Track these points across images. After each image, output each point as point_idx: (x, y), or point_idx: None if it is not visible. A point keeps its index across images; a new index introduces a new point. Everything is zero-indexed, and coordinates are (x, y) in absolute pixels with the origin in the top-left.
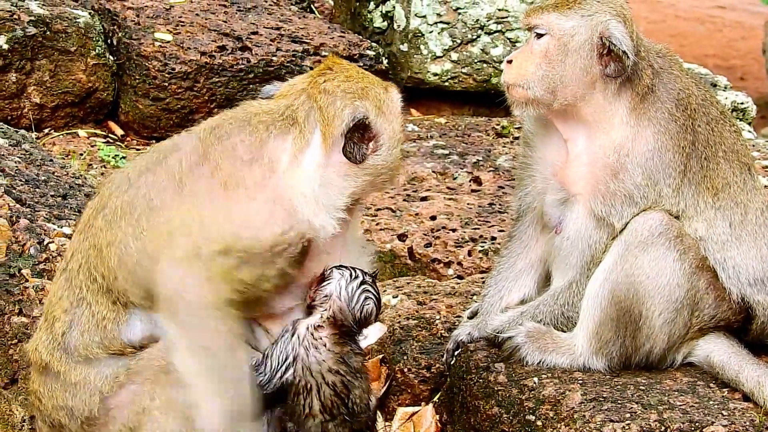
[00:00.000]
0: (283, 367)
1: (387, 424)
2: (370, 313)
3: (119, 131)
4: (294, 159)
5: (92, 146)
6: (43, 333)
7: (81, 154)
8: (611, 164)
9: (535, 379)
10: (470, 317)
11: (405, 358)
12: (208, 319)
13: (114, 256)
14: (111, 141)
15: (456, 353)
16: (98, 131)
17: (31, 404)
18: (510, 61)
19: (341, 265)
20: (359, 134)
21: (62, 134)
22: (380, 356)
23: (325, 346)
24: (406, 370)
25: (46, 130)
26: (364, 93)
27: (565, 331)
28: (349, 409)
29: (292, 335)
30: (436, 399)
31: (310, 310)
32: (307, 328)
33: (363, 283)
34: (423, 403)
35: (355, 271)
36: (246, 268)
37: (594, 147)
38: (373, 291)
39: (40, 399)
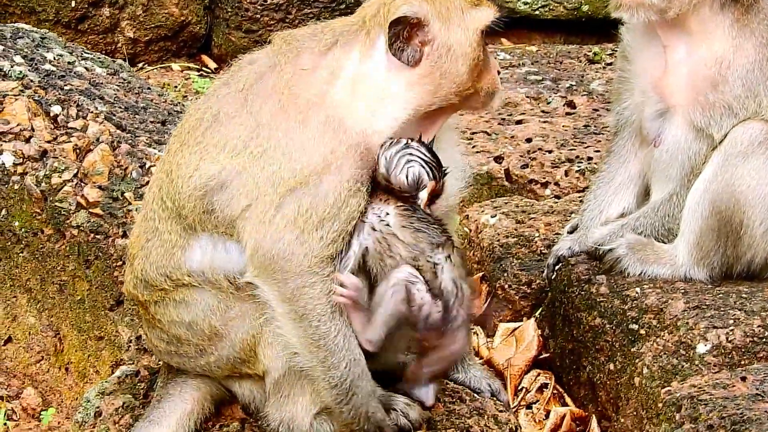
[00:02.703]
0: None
1: (489, 339)
2: (417, 177)
3: (212, 64)
4: (357, 66)
5: (186, 79)
6: (128, 272)
7: (175, 87)
8: (711, 76)
9: (637, 289)
10: (570, 232)
11: (505, 275)
12: (303, 285)
13: (181, 178)
14: (205, 74)
15: (557, 268)
16: (191, 65)
17: (143, 322)
18: None
19: (389, 138)
20: (407, 32)
21: (156, 68)
22: (480, 274)
23: (380, 200)
24: (506, 286)
25: (140, 65)
26: None
27: (665, 243)
28: (432, 235)
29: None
30: (537, 314)
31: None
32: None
33: (405, 147)
34: (524, 319)
35: (398, 139)
36: (320, 204)
37: (695, 58)
38: (417, 154)
39: (153, 316)
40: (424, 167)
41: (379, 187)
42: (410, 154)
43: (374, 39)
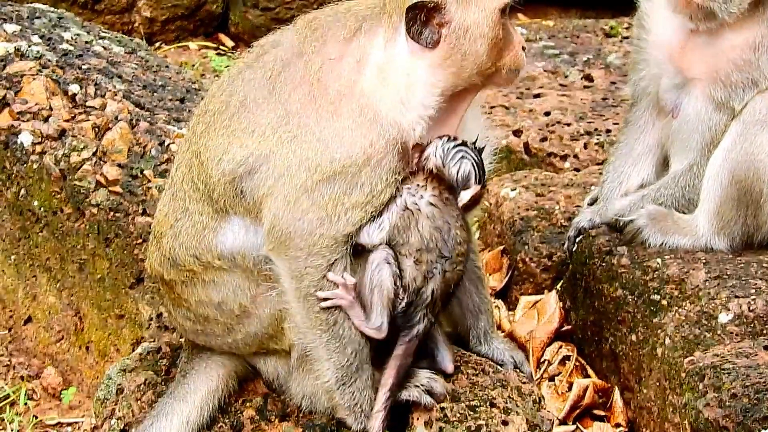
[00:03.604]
0: (387, 214)
1: (510, 313)
2: (467, 174)
3: (230, 43)
4: (383, 53)
5: (204, 58)
6: (154, 250)
7: (193, 66)
8: (738, 59)
9: (658, 260)
10: (590, 204)
11: (526, 248)
12: (313, 265)
13: (210, 160)
14: (222, 52)
15: (577, 240)
16: (209, 43)
17: (167, 301)
18: None
19: (443, 135)
20: (425, 15)
21: (173, 47)
22: (501, 248)
23: (418, 185)
24: (527, 259)
25: (158, 44)
26: None
27: (686, 213)
28: (447, 244)
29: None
30: (558, 286)
31: (412, 176)
32: (407, 178)
33: (460, 145)
34: (546, 291)
35: (455, 138)
36: (355, 192)
37: (721, 41)
38: (471, 154)
39: (179, 295)
40: (474, 168)
41: (426, 172)
42: (465, 152)
43: (396, 24)
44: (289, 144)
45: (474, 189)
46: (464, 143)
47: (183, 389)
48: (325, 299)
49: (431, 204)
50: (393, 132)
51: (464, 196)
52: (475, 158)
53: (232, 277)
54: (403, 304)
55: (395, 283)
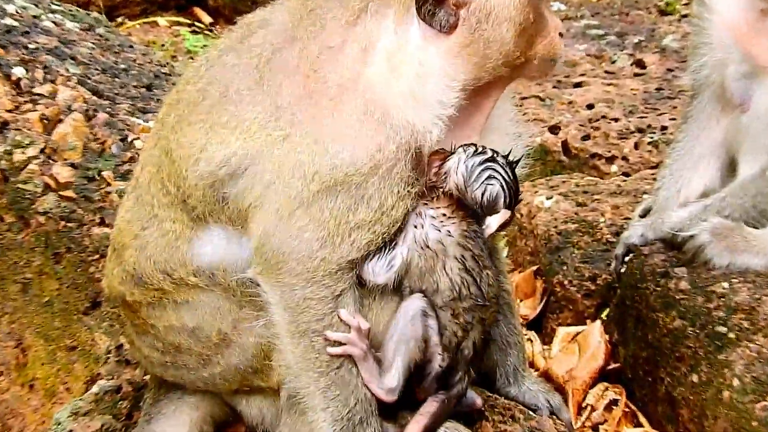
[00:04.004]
0: (401, 248)
1: (545, 347)
2: (494, 197)
3: (207, 19)
4: (392, 39)
5: (176, 36)
6: (114, 265)
7: (163, 45)
8: None
9: (725, 284)
10: (642, 216)
11: (564, 268)
12: (313, 297)
13: (183, 159)
14: (198, 30)
15: (627, 259)
16: (182, 19)
17: (130, 328)
18: None
19: (468, 143)
20: None
21: (139, 23)
22: (534, 268)
23: (444, 216)
24: (566, 282)
25: (120, 19)
26: None
27: (757, 227)
28: (482, 290)
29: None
30: (603, 315)
31: (430, 191)
32: (424, 204)
33: (489, 160)
34: (588, 321)
35: (483, 149)
36: (361, 207)
37: None
38: (501, 172)
39: (145, 320)
40: (504, 190)
41: (442, 195)
42: (494, 169)
43: (408, 3)
44: (280, 144)
45: (503, 215)
46: (493, 157)
47: None
48: (336, 343)
49: (460, 244)
50: (405, 134)
51: (491, 224)
52: (506, 176)
53: (210, 297)
54: (443, 365)
55: (436, 341)
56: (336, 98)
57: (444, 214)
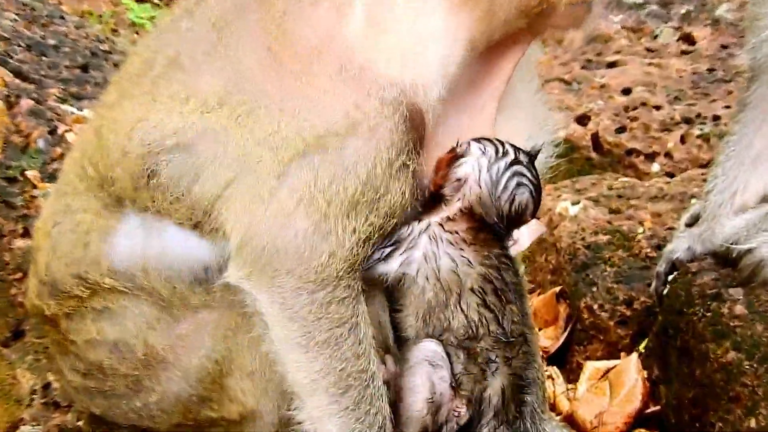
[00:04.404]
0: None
1: (570, 386)
2: (523, 208)
3: None
4: None
5: (116, 6)
6: (32, 275)
7: (101, 17)
8: None
9: None
10: (689, 225)
11: (594, 290)
12: (326, 302)
13: (114, 134)
14: None
15: (670, 278)
16: None
17: (54, 351)
18: None
19: (482, 138)
20: None
21: None
22: (556, 289)
23: (464, 241)
24: (595, 307)
25: None
26: None
27: None
28: (504, 326)
29: (411, 234)
30: (641, 347)
31: (435, 201)
32: (434, 223)
33: (515, 162)
34: (623, 354)
35: (503, 146)
36: (348, 178)
37: None
38: (529, 175)
39: (65, 335)
40: (533, 196)
41: (460, 213)
42: (522, 174)
43: None
44: (244, 119)
45: (537, 228)
46: (517, 159)
47: None
48: (361, 351)
49: (481, 275)
50: (392, 90)
51: (523, 240)
52: (533, 179)
53: (133, 303)
54: (466, 416)
55: (450, 395)
56: (307, 61)
57: (464, 240)
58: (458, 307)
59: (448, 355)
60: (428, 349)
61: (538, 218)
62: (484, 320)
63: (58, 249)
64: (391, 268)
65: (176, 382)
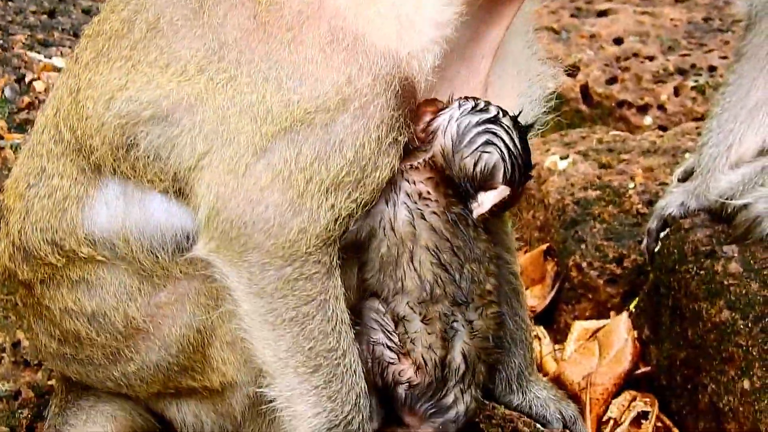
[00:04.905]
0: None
1: (558, 347)
2: (489, 170)
3: None
4: None
5: None
6: (3, 235)
7: None
8: None
9: None
10: (682, 180)
11: (583, 247)
12: (293, 278)
13: (92, 99)
14: None
15: (662, 235)
16: None
17: (27, 312)
18: None
19: (470, 96)
20: None
21: None
22: (544, 246)
23: (420, 194)
24: (584, 265)
25: None
26: None
27: None
28: (461, 287)
29: None
30: (631, 306)
31: (413, 153)
32: (398, 171)
33: (490, 121)
34: (612, 314)
35: (487, 105)
36: (333, 156)
37: None
38: (504, 137)
39: (39, 300)
40: (505, 160)
41: (424, 163)
42: (494, 133)
43: None
44: (224, 87)
45: (499, 193)
46: (496, 118)
47: None
48: (332, 330)
49: (436, 231)
50: (385, 64)
51: (483, 203)
52: (510, 144)
53: (112, 274)
54: (417, 382)
55: (391, 357)
56: (294, 28)
57: (420, 193)
58: (411, 265)
59: (400, 317)
60: (366, 307)
61: (520, 188)
62: (439, 281)
63: (32, 214)
64: (361, 222)
65: (156, 352)
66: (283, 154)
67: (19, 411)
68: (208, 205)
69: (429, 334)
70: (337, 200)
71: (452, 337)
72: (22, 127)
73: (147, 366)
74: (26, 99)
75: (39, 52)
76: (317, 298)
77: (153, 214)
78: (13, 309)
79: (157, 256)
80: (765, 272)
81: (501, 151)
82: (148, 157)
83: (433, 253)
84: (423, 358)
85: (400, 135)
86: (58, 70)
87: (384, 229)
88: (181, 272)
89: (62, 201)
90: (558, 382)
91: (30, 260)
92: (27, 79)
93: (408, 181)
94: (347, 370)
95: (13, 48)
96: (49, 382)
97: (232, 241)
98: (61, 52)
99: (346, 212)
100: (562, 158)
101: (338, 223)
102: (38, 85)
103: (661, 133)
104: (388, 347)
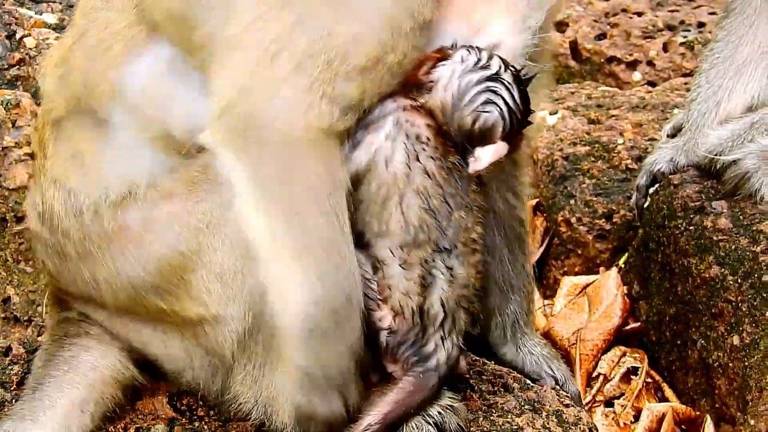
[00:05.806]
0: (357, 151)
1: (547, 302)
2: (488, 127)
3: None
4: None
5: None
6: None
7: None
8: None
9: None
10: (671, 136)
11: (572, 203)
12: (299, 159)
13: None
14: None
15: (652, 191)
16: None
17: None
18: None
19: (474, 46)
20: None
21: None
22: (533, 202)
23: (420, 137)
24: (573, 220)
25: None
26: None
27: None
28: (446, 233)
29: (381, 112)
30: (621, 262)
31: (410, 87)
32: (398, 107)
33: (491, 78)
34: (601, 269)
35: (489, 60)
36: (367, 43)
37: None
38: (504, 95)
39: (43, 164)
40: (504, 118)
41: (424, 108)
42: (495, 92)
43: None
44: None
45: (498, 149)
46: (497, 75)
47: (32, 405)
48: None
49: (429, 176)
50: None
51: (481, 158)
52: (510, 101)
53: (111, 156)
54: (396, 329)
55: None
56: None
57: (418, 136)
58: (399, 207)
59: (380, 260)
60: None
61: (517, 142)
62: (425, 226)
63: (84, 44)
64: (359, 154)
65: (129, 265)
66: (304, 37)
67: (10, 367)
68: (226, 95)
69: (407, 280)
70: (358, 90)
71: (430, 284)
72: (13, 83)
73: (117, 276)
74: (17, 55)
75: (30, 8)
76: (321, 189)
77: (185, 90)
78: (3, 265)
79: (171, 133)
80: (754, 228)
81: (501, 109)
82: (195, 28)
83: (423, 197)
84: (400, 305)
85: (431, 13)
86: (49, 26)
87: (378, 164)
88: (182, 181)
89: (113, 36)
90: (547, 337)
91: (62, 93)
92: (18, 36)
93: (408, 123)
94: (341, 262)
95: (3, 4)
96: (39, 338)
97: (238, 133)
98: (52, 8)
99: (368, 101)
100: (551, 114)
101: (352, 112)
102: (29, 42)
103: (650, 88)
104: (367, 295)
